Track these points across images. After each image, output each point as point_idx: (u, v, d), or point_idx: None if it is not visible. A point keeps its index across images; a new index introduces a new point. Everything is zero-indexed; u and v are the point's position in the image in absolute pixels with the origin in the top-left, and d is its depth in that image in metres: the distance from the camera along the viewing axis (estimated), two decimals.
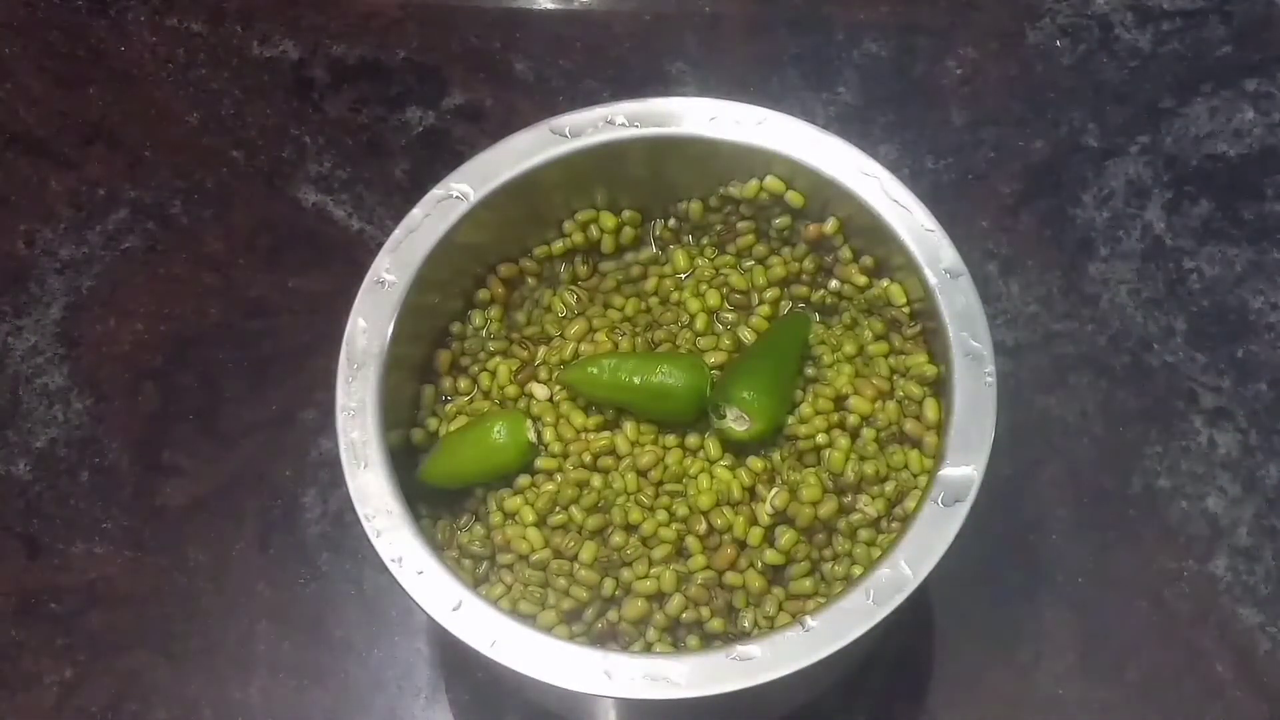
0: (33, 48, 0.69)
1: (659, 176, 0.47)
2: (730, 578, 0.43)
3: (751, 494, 0.43)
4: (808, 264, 0.48)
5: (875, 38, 0.67)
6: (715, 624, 0.42)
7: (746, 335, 0.47)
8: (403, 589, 0.39)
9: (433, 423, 0.46)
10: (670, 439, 0.45)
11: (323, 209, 0.63)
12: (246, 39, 0.68)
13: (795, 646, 0.38)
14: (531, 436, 0.44)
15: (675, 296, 0.48)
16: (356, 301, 0.44)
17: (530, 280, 0.49)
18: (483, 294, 0.48)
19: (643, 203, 0.49)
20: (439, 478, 0.44)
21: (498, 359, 0.47)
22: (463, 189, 0.45)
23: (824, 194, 0.46)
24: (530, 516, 0.44)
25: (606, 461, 0.44)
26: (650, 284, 0.49)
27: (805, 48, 0.67)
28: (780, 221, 0.47)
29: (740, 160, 0.46)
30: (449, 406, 0.47)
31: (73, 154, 0.66)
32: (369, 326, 0.43)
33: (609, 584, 0.43)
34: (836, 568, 0.43)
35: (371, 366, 0.42)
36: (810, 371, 0.46)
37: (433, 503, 0.44)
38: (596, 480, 0.44)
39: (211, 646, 0.54)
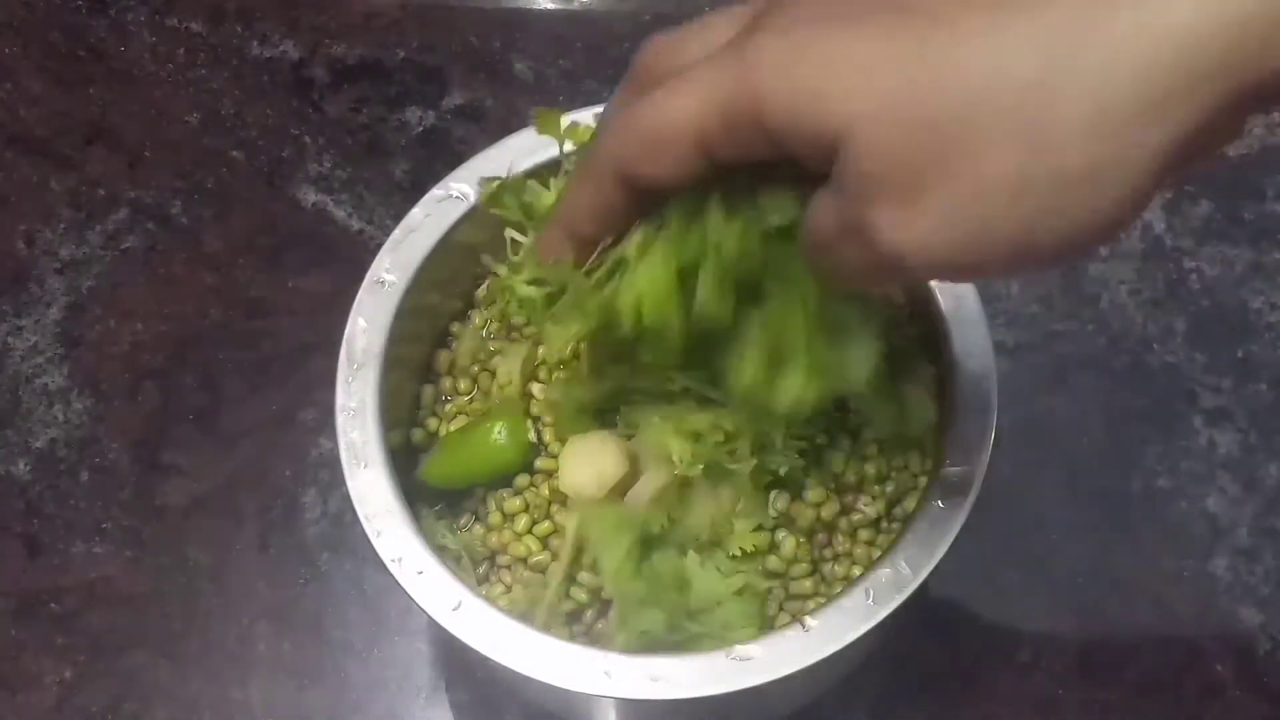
0: (33, 48, 0.69)
1: None
2: None
3: None
4: None
5: None
6: None
7: None
8: (403, 589, 0.39)
9: (433, 423, 0.46)
10: None
11: (323, 209, 0.63)
12: (246, 39, 0.69)
13: (795, 646, 0.38)
14: (531, 436, 0.44)
15: None
16: (356, 301, 0.44)
17: None
18: (483, 294, 0.48)
19: None
20: (439, 478, 0.44)
21: (498, 359, 0.47)
22: (463, 189, 0.45)
23: None
24: (527, 522, 0.44)
25: None
26: None
27: None
28: None
29: None
30: (449, 406, 0.46)
31: (73, 154, 0.66)
32: (369, 326, 0.43)
33: None
34: (836, 568, 0.43)
35: (371, 366, 0.42)
36: None
37: (433, 503, 0.44)
38: None
39: (211, 646, 0.54)
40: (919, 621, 0.52)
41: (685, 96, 0.30)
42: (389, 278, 0.44)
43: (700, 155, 0.31)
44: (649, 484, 0.41)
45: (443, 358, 0.47)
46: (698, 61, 0.31)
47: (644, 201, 0.34)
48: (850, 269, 0.31)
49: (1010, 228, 0.27)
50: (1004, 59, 0.26)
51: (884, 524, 0.43)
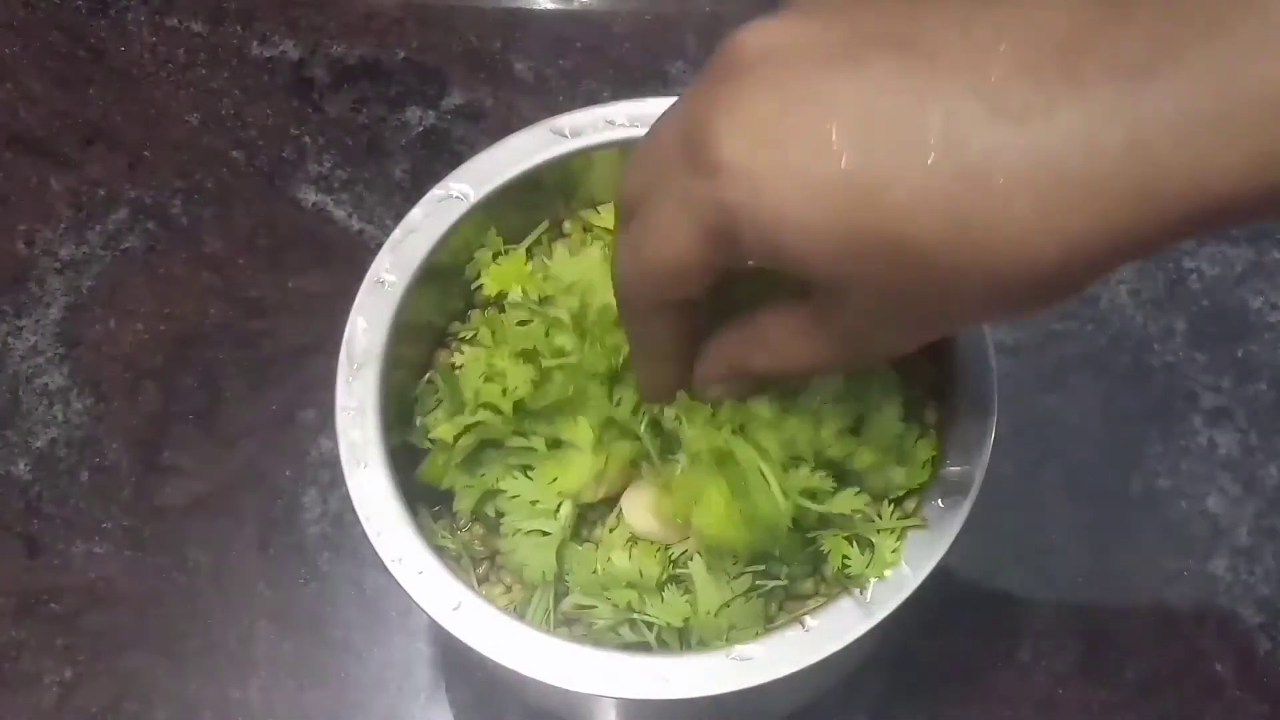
0: (33, 48, 0.69)
1: None
2: None
3: None
4: None
5: None
6: None
7: None
8: (403, 589, 0.39)
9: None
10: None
11: (323, 209, 0.63)
12: (246, 39, 0.68)
13: (795, 647, 0.38)
14: None
15: None
16: (356, 301, 0.44)
17: None
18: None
19: None
20: (439, 478, 0.44)
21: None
22: (463, 189, 0.45)
23: None
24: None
25: None
26: None
27: None
28: None
29: None
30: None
31: (73, 154, 0.66)
32: (369, 326, 0.43)
33: None
34: None
35: (371, 366, 0.42)
36: None
37: (433, 503, 0.44)
38: None
39: (211, 646, 0.54)
40: (919, 621, 0.52)
41: (668, 235, 0.31)
42: (389, 278, 0.44)
43: (711, 274, 0.32)
44: (644, 496, 0.41)
45: (443, 358, 0.47)
46: (664, 181, 0.31)
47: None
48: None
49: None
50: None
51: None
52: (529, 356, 0.41)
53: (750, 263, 0.31)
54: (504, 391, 0.40)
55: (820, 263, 0.29)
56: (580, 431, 0.40)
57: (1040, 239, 0.27)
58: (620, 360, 0.41)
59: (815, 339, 0.33)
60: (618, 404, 0.41)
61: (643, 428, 0.40)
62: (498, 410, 0.41)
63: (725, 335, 0.36)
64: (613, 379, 0.41)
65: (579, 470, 0.40)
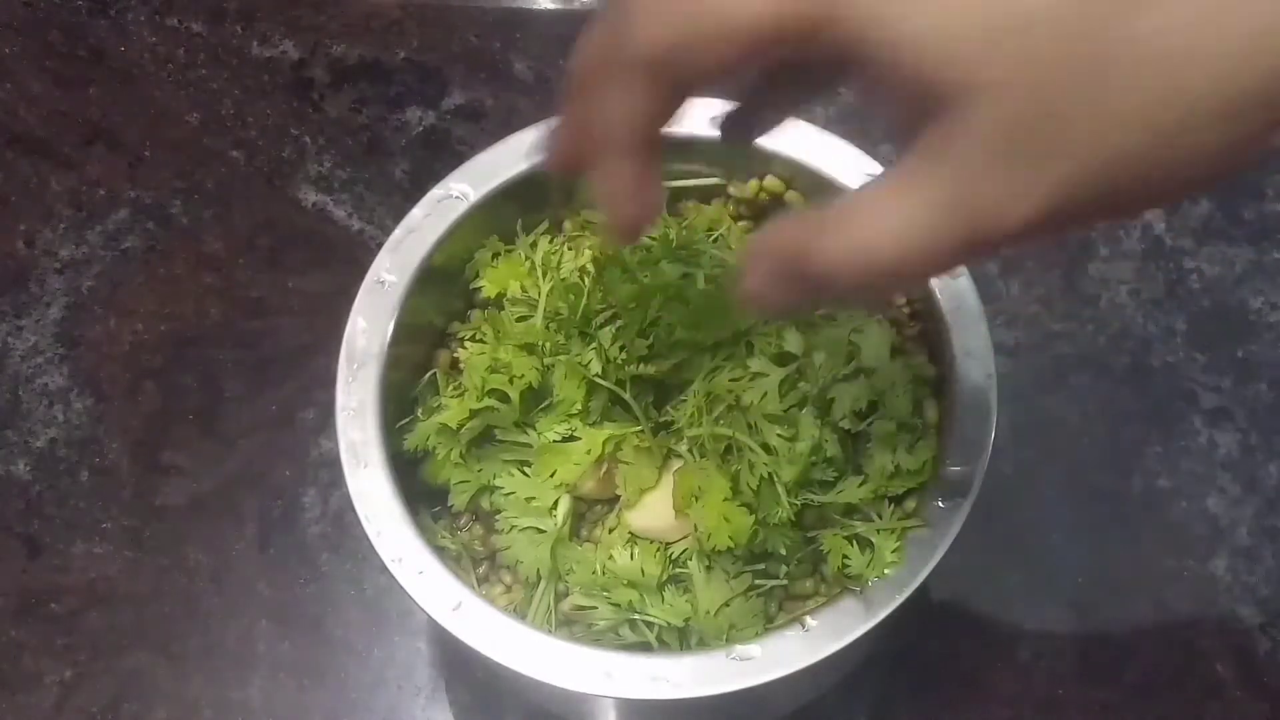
0: (33, 48, 0.69)
1: None
2: None
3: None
4: None
5: None
6: None
7: None
8: (403, 589, 0.39)
9: None
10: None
11: (323, 209, 0.63)
12: (246, 39, 0.69)
13: (795, 647, 0.38)
14: None
15: None
16: (356, 301, 0.44)
17: None
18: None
19: None
20: (441, 472, 0.44)
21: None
22: (463, 189, 0.45)
23: (824, 194, 0.46)
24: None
25: None
26: None
27: None
28: None
29: (740, 160, 0.46)
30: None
31: (73, 154, 0.66)
32: (369, 326, 0.43)
33: None
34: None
35: (371, 366, 0.42)
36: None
37: (433, 503, 0.44)
38: None
39: (211, 646, 0.54)
40: (919, 621, 0.52)
41: None
42: (389, 278, 0.44)
43: (749, 54, 0.26)
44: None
45: (443, 358, 0.47)
46: None
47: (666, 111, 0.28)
48: (931, 263, 0.26)
49: (1114, 194, 0.25)
50: (1167, 30, 0.24)
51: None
52: (531, 349, 0.41)
53: (810, 58, 0.25)
54: (510, 380, 0.40)
55: (951, 53, 0.24)
56: (567, 388, 0.41)
57: (1227, 19, 0.23)
58: (596, 312, 0.41)
59: (916, 198, 0.26)
60: (590, 356, 0.41)
61: (629, 394, 0.41)
62: (505, 398, 0.41)
63: (778, 222, 0.29)
64: (587, 336, 0.42)
65: (578, 458, 0.40)
